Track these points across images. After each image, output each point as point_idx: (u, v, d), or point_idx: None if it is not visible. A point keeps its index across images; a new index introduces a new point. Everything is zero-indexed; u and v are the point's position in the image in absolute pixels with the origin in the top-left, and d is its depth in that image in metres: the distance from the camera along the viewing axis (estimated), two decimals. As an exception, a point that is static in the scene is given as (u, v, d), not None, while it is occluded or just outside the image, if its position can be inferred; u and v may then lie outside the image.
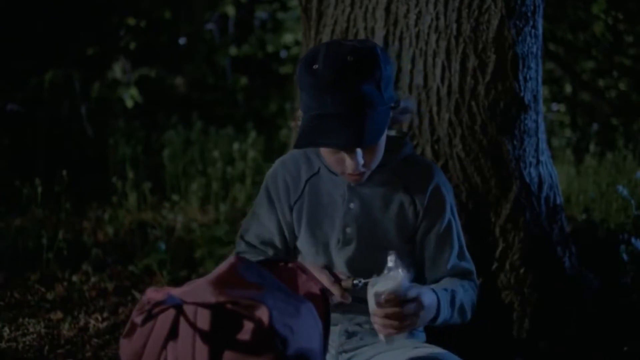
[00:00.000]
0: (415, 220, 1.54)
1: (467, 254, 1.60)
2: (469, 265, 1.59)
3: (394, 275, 1.29)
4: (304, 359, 1.08)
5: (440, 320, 1.41)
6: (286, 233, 1.61)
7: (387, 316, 1.28)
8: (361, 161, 1.41)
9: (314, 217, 1.56)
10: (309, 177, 1.57)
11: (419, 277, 1.59)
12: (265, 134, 5.37)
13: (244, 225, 1.67)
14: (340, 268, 1.54)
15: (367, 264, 1.50)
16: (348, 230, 1.53)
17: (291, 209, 1.58)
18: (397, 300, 1.28)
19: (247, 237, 1.64)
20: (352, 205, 1.53)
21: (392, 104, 1.42)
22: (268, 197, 1.61)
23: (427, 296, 1.35)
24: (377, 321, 1.30)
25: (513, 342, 2.05)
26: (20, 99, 4.97)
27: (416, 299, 1.30)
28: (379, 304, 1.29)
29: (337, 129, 1.33)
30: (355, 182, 1.50)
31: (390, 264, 1.31)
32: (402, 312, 1.28)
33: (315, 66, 1.35)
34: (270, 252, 1.61)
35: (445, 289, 1.46)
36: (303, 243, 1.58)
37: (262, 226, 1.62)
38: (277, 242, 1.61)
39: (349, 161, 1.41)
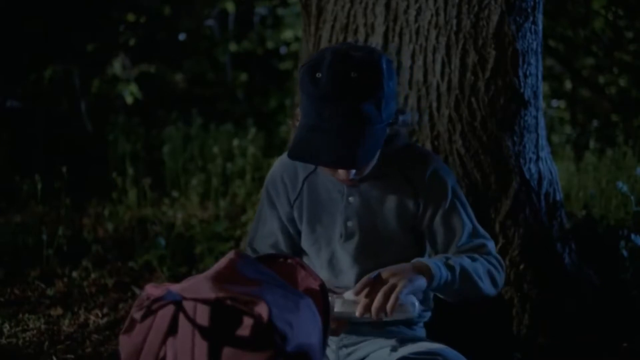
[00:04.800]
0: (417, 209, 1.53)
1: (481, 231, 1.56)
2: (482, 239, 1.54)
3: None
4: (304, 354, 1.08)
5: (437, 280, 1.37)
6: (291, 231, 1.62)
7: (368, 303, 1.31)
8: (353, 172, 1.42)
9: (314, 215, 1.57)
10: (307, 176, 1.58)
11: None
12: (265, 130, 5.36)
13: (250, 233, 1.68)
14: (346, 262, 1.55)
15: (372, 256, 1.51)
16: (349, 224, 1.53)
17: (292, 208, 1.59)
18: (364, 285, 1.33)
19: (255, 244, 1.66)
20: (351, 199, 1.53)
21: (390, 121, 1.41)
22: (269, 199, 1.63)
23: (401, 264, 1.38)
24: (363, 311, 1.32)
25: (512, 338, 2.06)
26: (20, 95, 4.96)
27: (378, 273, 1.34)
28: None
29: (329, 147, 1.32)
30: (347, 185, 1.51)
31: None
32: (375, 289, 1.31)
33: (319, 75, 1.33)
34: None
35: (437, 257, 1.47)
36: (304, 241, 1.60)
37: (267, 230, 1.64)
38: (282, 244, 1.62)
39: (341, 170, 1.42)
